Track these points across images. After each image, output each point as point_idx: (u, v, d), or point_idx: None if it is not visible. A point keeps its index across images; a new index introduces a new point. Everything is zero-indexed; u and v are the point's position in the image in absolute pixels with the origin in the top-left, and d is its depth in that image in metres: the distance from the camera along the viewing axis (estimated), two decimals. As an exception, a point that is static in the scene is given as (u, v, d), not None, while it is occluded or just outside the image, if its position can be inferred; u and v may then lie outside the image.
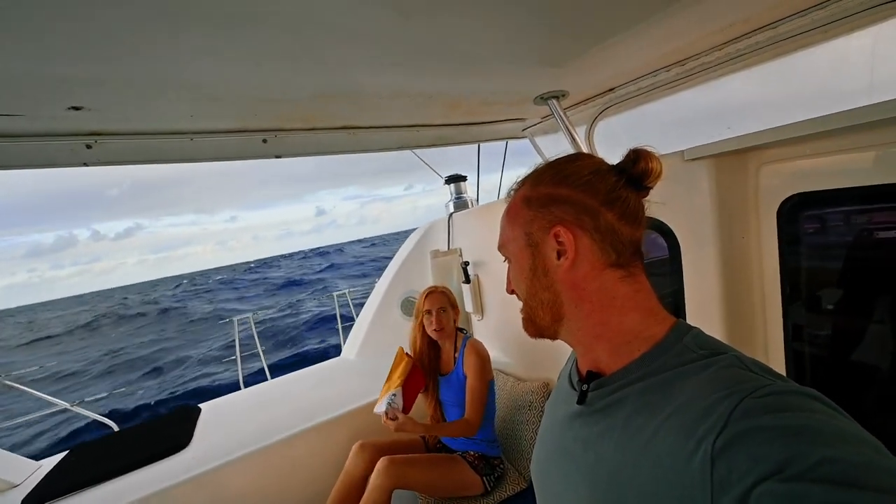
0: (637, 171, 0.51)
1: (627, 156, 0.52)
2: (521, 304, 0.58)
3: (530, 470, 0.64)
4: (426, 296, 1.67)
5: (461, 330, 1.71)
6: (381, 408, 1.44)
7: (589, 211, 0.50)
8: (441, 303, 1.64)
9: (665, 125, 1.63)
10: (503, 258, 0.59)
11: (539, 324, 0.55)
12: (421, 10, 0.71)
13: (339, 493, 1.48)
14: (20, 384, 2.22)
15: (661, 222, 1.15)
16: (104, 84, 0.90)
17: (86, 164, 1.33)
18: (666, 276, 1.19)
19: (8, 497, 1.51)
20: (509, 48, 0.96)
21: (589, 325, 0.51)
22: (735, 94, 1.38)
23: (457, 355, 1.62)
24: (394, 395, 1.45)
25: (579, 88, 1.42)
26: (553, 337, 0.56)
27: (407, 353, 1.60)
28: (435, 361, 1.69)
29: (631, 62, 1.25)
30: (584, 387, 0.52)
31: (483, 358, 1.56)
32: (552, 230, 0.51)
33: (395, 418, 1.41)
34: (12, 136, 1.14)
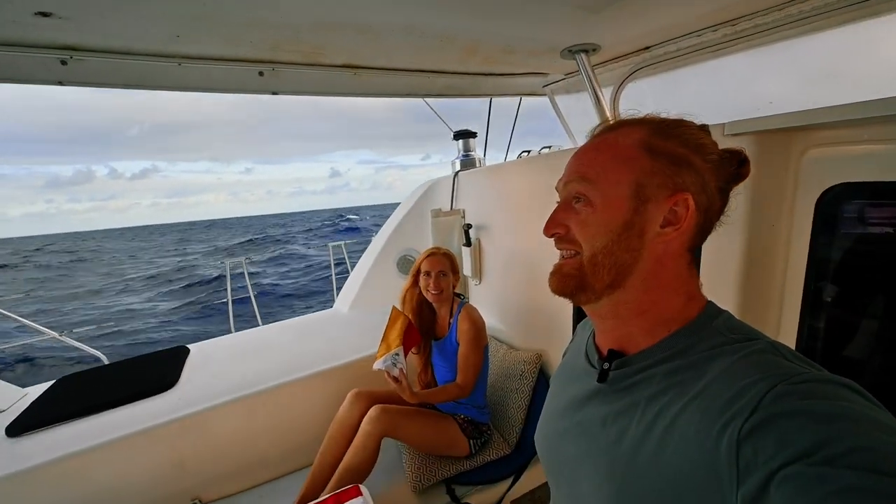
0: (741, 172, 0.49)
1: (736, 153, 0.49)
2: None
3: (536, 445, 0.62)
4: (427, 256, 1.60)
5: (458, 295, 1.66)
6: (382, 364, 1.41)
7: (708, 192, 0.47)
8: (442, 266, 1.58)
9: (700, 97, 1.49)
10: (577, 196, 0.49)
11: (590, 283, 0.48)
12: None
13: (331, 438, 1.49)
14: (13, 314, 2.19)
15: None
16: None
17: (61, 83, 1.21)
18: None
19: (-6, 421, 1.51)
20: None
21: (641, 301, 0.48)
22: (785, 70, 1.24)
23: (451, 321, 1.59)
24: (396, 354, 1.42)
25: (612, 43, 1.28)
26: (588, 301, 0.50)
27: (402, 313, 1.56)
28: (430, 324, 1.66)
29: (673, 17, 1.11)
30: (606, 365, 0.50)
31: (477, 326, 1.53)
32: (677, 195, 0.45)
33: (396, 379, 1.39)
34: (-25, 43, 1.02)
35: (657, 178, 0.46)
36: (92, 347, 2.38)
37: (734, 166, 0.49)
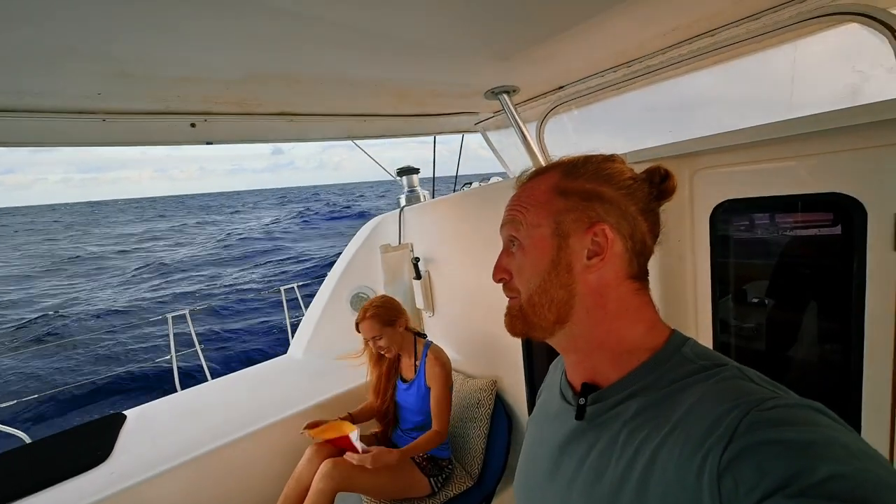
0: (664, 188, 0.51)
1: (655, 171, 0.51)
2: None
3: (515, 495, 0.61)
4: (358, 325, 1.57)
5: (421, 335, 1.65)
6: (358, 444, 1.38)
7: (628, 217, 0.48)
8: (373, 331, 1.53)
9: (613, 125, 1.66)
10: (510, 238, 0.53)
11: (536, 323, 0.50)
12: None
13: (287, 498, 1.40)
14: None
15: None
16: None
17: (-29, 145, 1.15)
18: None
19: None
20: (456, 37, 0.91)
21: (595, 333, 0.49)
22: (679, 97, 1.43)
23: (418, 363, 1.58)
24: (355, 435, 1.40)
25: (529, 84, 1.40)
26: (543, 337, 0.52)
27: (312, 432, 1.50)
28: (393, 367, 1.65)
29: (579, 61, 1.24)
30: (582, 401, 0.50)
31: (446, 369, 1.53)
32: (593, 227, 0.47)
33: (358, 457, 1.36)
34: None
35: (572, 214, 0.49)
36: (9, 427, 2.12)
37: (656, 183, 0.51)
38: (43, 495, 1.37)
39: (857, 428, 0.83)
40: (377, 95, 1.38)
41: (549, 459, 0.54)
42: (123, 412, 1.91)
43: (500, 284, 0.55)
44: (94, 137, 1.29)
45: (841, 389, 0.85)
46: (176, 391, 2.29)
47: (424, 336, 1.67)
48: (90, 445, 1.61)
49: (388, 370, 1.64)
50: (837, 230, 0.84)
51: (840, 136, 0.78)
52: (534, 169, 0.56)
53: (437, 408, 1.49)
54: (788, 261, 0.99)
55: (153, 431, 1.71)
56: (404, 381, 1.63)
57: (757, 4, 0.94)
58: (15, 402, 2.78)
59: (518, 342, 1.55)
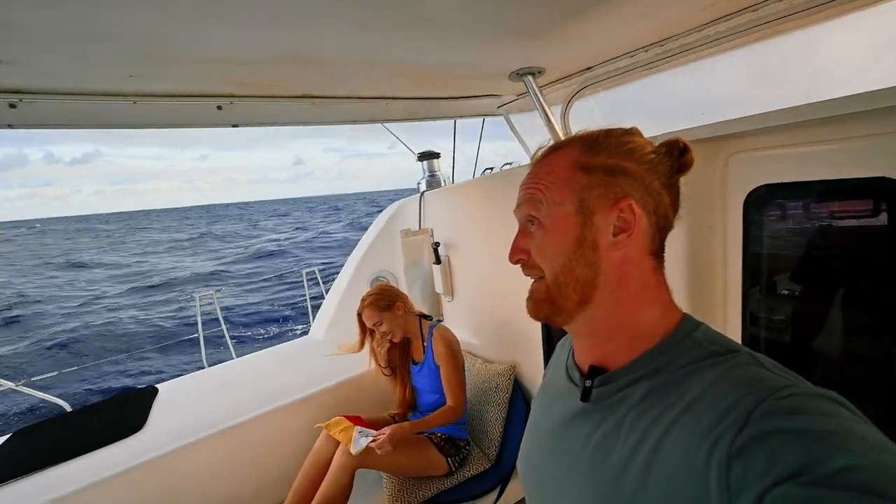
0: (683, 162, 0.49)
1: (674, 145, 0.49)
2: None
3: (519, 468, 0.61)
4: (358, 315, 1.60)
5: (426, 317, 1.67)
6: (359, 446, 1.39)
7: (653, 192, 0.47)
8: (373, 318, 1.55)
9: (641, 109, 1.60)
10: (529, 218, 0.51)
11: (561, 304, 0.48)
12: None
13: (305, 474, 1.46)
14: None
15: None
16: (24, 32, 0.78)
17: (11, 126, 1.20)
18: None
19: (-58, 484, 1.41)
20: (480, 14, 0.89)
21: (616, 314, 0.48)
22: (712, 80, 1.36)
23: (425, 344, 1.61)
24: (359, 432, 1.42)
25: (556, 65, 1.36)
26: (565, 322, 0.50)
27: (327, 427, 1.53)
28: (405, 351, 1.67)
29: (609, 40, 1.20)
30: (588, 383, 0.49)
31: (451, 346, 1.54)
32: (619, 203, 0.46)
33: (379, 444, 1.39)
34: (-83, 90, 1.00)
35: (596, 190, 0.47)
36: (53, 395, 2.25)
37: (675, 157, 0.49)
38: (83, 460, 1.45)
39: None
40: (398, 77, 1.37)
41: (552, 438, 0.54)
42: (156, 385, 2.00)
43: (518, 266, 0.53)
44: (124, 120, 1.32)
45: (882, 387, 0.81)
46: (203, 367, 2.38)
47: (430, 318, 1.68)
48: (126, 415, 1.70)
49: (400, 356, 1.66)
50: (881, 219, 0.80)
51: (890, 116, 0.73)
52: (550, 144, 0.54)
53: (448, 385, 1.52)
54: (827, 251, 0.94)
55: (183, 405, 1.80)
56: (415, 363, 1.66)
57: (806, -25, 0.88)
58: (56, 372, 2.95)
59: (537, 327, 1.55)
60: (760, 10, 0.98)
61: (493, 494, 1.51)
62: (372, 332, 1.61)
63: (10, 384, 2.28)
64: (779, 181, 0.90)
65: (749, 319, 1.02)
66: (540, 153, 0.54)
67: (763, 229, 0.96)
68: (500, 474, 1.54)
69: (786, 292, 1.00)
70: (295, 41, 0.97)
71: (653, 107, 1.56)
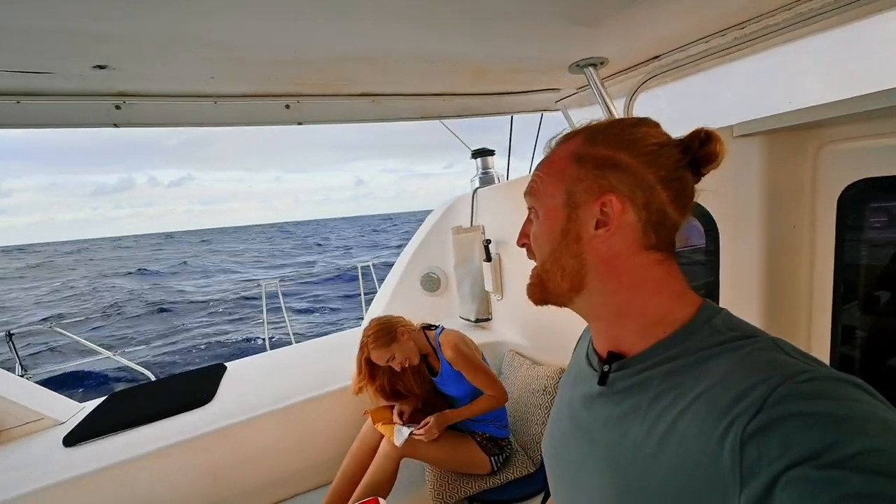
0: (704, 153, 0.47)
1: (695, 134, 0.48)
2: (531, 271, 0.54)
3: (542, 450, 0.63)
4: (366, 362, 1.56)
5: (430, 327, 1.63)
6: (402, 437, 1.42)
7: (645, 186, 0.46)
8: (383, 358, 1.50)
9: (715, 100, 1.47)
10: (529, 207, 0.54)
11: (551, 290, 0.51)
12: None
13: (353, 457, 1.52)
14: (68, 332, 2.40)
15: (699, 205, 1.04)
16: (126, 41, 0.90)
17: (116, 125, 1.36)
18: (698, 266, 1.09)
19: (54, 432, 1.65)
20: (538, 4, 0.87)
21: (614, 302, 0.49)
22: (800, 67, 1.21)
23: (438, 354, 1.58)
24: (399, 428, 1.45)
25: (619, 55, 1.29)
26: (563, 304, 0.52)
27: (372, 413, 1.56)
28: (423, 369, 1.65)
29: (679, 25, 1.11)
30: (606, 368, 0.50)
31: (458, 347, 1.49)
32: (601, 197, 0.46)
33: (423, 431, 1.41)
34: (45, 94, 1.18)
35: (583, 183, 0.47)
36: (141, 366, 2.55)
37: (694, 149, 0.47)
38: (162, 424, 1.63)
39: None
40: (454, 73, 1.38)
41: (571, 421, 0.55)
42: (225, 364, 2.19)
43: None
44: (207, 119, 1.45)
45: None
46: (266, 350, 2.57)
47: (432, 326, 1.63)
48: (198, 388, 1.88)
49: (415, 376, 1.63)
50: None
51: None
52: (565, 133, 0.54)
53: (478, 383, 1.49)
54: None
55: (248, 382, 1.95)
56: (434, 373, 1.62)
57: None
58: (145, 346, 3.33)
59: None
60: (864, -19, 0.86)
61: (537, 500, 1.47)
62: (372, 374, 1.57)
63: (108, 353, 2.61)
64: (882, 174, 0.78)
65: (842, 337, 0.89)
66: (554, 141, 0.54)
67: (862, 229, 0.84)
68: (544, 478, 1.49)
69: (887, 306, 0.86)
70: (355, 40, 1.01)
71: (729, 97, 1.42)
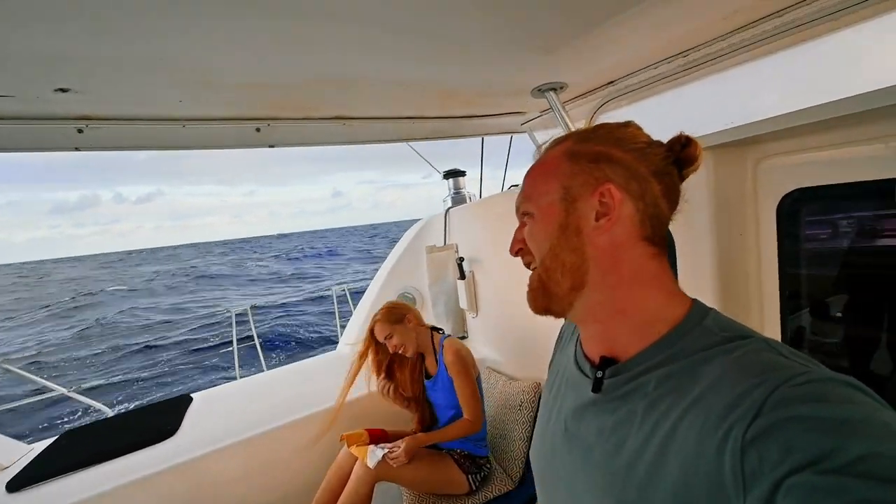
0: (685, 155, 0.49)
1: (676, 139, 0.50)
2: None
3: (532, 464, 0.61)
4: (370, 327, 1.61)
5: (437, 329, 1.66)
6: (375, 458, 1.41)
7: (639, 177, 0.47)
8: (383, 332, 1.56)
9: (668, 122, 1.57)
10: (524, 213, 0.54)
11: (554, 291, 0.50)
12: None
13: (327, 485, 1.46)
14: (16, 368, 2.24)
15: None
16: (90, 64, 0.89)
17: (77, 149, 1.33)
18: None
19: (-3, 478, 1.51)
20: (499, 33, 0.92)
21: (612, 299, 0.48)
22: (740, 89, 1.33)
23: (438, 357, 1.60)
24: (373, 449, 1.44)
25: (578, 80, 1.38)
26: (564, 310, 0.51)
27: (348, 439, 1.55)
28: (419, 368, 1.66)
29: (631, 52, 1.20)
30: (599, 374, 0.49)
31: (462, 357, 1.52)
32: (599, 188, 0.47)
33: (394, 456, 1.40)
34: (4, 118, 1.14)
35: (579, 178, 0.48)
36: (97, 401, 2.39)
37: (676, 151, 0.50)
38: (121, 461, 1.53)
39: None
40: (425, 97, 1.43)
41: (564, 430, 0.53)
42: (190, 395, 2.09)
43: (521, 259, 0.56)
44: (175, 142, 1.44)
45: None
46: (236, 379, 2.46)
47: (441, 330, 1.67)
48: (161, 421, 1.78)
49: (412, 372, 1.65)
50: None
51: None
52: (552, 139, 0.56)
53: (462, 396, 1.49)
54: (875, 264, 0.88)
55: (214, 413, 1.86)
56: (429, 377, 1.64)
57: (832, -23, 0.86)
58: (104, 380, 3.12)
59: None
60: (785, 15, 0.97)
61: (518, 519, 1.45)
62: (378, 348, 1.61)
63: (63, 389, 2.43)
64: (814, 184, 0.86)
65: (791, 335, 0.95)
66: (543, 148, 0.57)
67: (799, 234, 0.91)
68: (524, 497, 1.48)
69: (833, 309, 0.93)
70: (326, 65, 1.04)
71: (680, 119, 1.53)
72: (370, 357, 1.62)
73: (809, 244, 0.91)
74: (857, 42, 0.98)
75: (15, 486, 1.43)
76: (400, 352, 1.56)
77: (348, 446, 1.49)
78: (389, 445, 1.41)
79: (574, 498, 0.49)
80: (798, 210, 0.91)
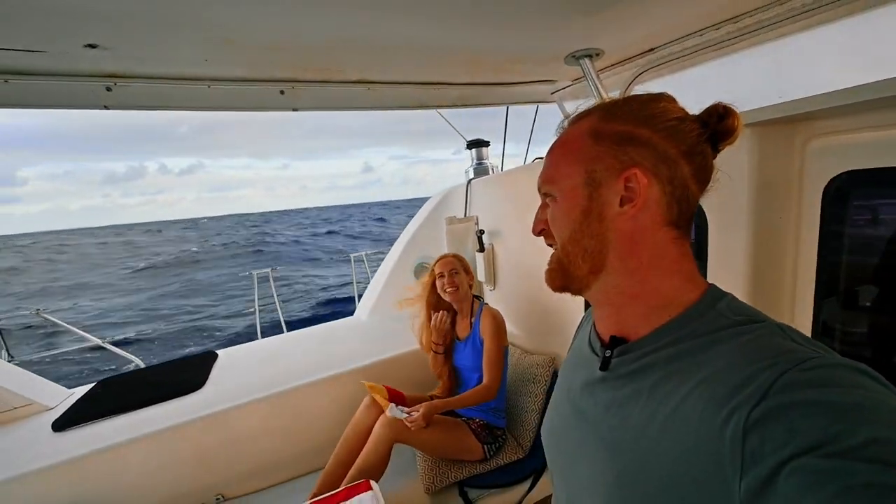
0: (722, 127, 0.46)
1: (713, 109, 0.47)
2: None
3: (542, 435, 0.63)
4: (439, 260, 1.71)
5: (477, 297, 1.72)
6: (393, 413, 1.45)
7: (668, 160, 0.45)
8: (453, 266, 1.67)
9: (709, 93, 1.48)
10: (546, 194, 0.53)
11: (573, 274, 0.49)
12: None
13: (346, 441, 1.53)
14: (58, 319, 2.38)
15: None
16: (119, 20, 0.88)
17: (106, 107, 1.34)
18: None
19: (42, 418, 1.64)
20: None
21: (629, 283, 0.47)
22: (795, 60, 1.23)
23: (473, 320, 1.65)
24: (394, 405, 1.47)
25: (615, 47, 1.30)
26: (580, 291, 0.51)
27: (375, 388, 1.59)
28: (450, 326, 1.72)
29: (674, 17, 1.12)
30: (608, 353, 0.49)
31: (499, 323, 1.58)
32: (625, 172, 0.45)
33: (413, 419, 1.44)
34: (34, 73, 1.15)
35: (604, 161, 0.46)
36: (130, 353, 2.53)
37: (712, 124, 0.46)
38: (151, 410, 1.63)
39: None
40: (451, 62, 1.38)
41: (572, 406, 0.54)
42: (216, 351, 2.19)
43: (543, 239, 0.55)
44: (200, 102, 1.43)
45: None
46: (258, 338, 2.56)
47: (480, 298, 1.73)
48: (189, 375, 1.88)
49: (450, 325, 1.72)
50: None
51: None
52: (577, 112, 0.53)
53: (487, 360, 1.54)
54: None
55: (239, 369, 1.95)
56: (459, 339, 1.70)
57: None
58: (134, 333, 3.30)
59: (578, 319, 1.50)
60: (856, -24, 0.88)
61: (525, 485, 1.50)
62: (432, 287, 1.71)
63: (98, 340, 2.58)
64: (867, 167, 0.80)
65: (822, 326, 0.92)
66: (566, 122, 0.53)
67: (845, 220, 0.86)
68: (533, 465, 1.53)
69: (869, 303, 0.89)
70: (351, 27, 1.01)
71: (723, 91, 1.43)
72: (426, 287, 1.73)
73: (855, 230, 0.86)
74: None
75: (60, 425, 1.55)
76: (448, 290, 1.64)
77: (370, 392, 1.56)
78: (408, 410, 1.45)
79: (579, 469, 0.50)
80: (846, 194, 0.85)
